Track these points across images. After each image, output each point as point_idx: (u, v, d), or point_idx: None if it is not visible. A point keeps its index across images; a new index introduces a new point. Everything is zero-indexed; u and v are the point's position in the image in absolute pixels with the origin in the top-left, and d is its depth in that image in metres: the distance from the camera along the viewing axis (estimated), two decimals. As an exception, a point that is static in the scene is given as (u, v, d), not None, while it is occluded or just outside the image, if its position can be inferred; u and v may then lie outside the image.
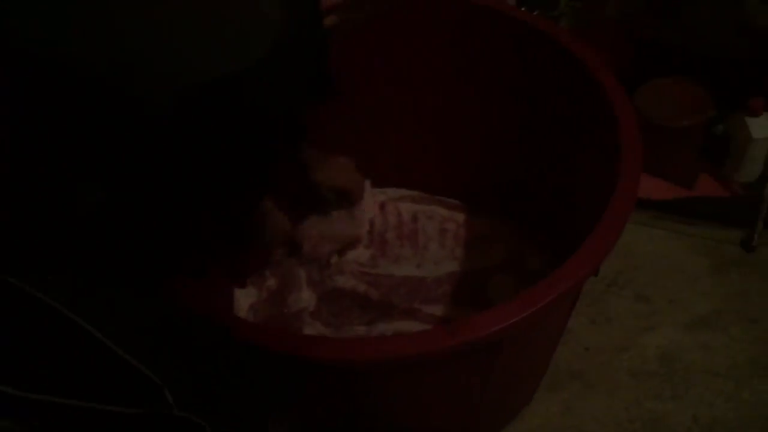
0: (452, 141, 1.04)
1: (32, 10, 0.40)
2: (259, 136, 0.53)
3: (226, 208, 0.72)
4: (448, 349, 0.59)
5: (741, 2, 0.96)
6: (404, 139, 1.06)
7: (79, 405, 0.41)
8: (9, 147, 0.43)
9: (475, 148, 1.03)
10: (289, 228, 0.99)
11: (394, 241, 1.06)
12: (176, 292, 0.62)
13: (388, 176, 1.11)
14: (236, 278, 1.01)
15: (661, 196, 1.05)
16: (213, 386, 0.49)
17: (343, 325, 0.97)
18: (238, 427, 0.51)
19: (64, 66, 0.42)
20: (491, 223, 1.06)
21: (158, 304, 0.52)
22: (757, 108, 0.97)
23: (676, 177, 1.05)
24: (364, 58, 0.94)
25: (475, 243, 1.05)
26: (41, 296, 0.41)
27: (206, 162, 0.52)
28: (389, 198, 1.10)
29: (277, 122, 0.57)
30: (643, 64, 1.06)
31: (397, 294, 1.00)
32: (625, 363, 0.94)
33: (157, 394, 0.43)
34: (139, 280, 0.52)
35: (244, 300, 0.99)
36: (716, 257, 1.03)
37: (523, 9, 1.05)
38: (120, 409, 0.42)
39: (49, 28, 0.40)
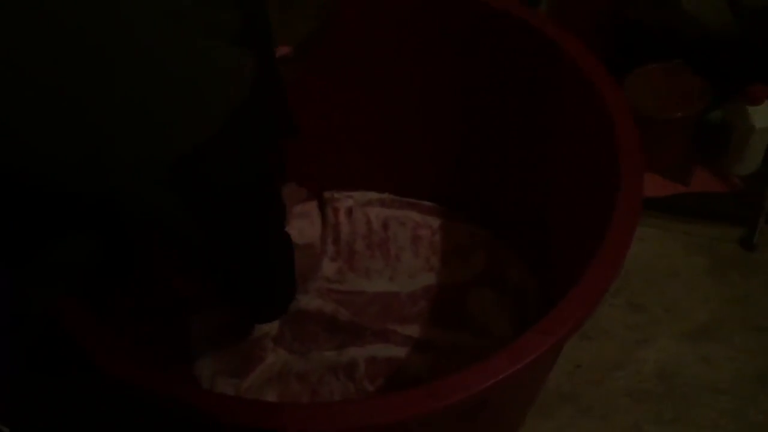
0: (426, 138, 0.94)
1: None
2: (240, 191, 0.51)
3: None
4: (429, 415, 0.50)
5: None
6: (373, 137, 0.96)
7: None
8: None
9: (451, 146, 0.93)
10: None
11: (363, 252, 0.96)
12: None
13: (355, 178, 1.00)
14: (187, 303, 0.90)
15: (653, 192, 0.96)
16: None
17: (310, 351, 0.87)
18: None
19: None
20: (469, 229, 0.96)
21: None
22: (758, 96, 0.88)
23: (669, 172, 0.96)
24: (331, 58, 0.84)
25: (452, 252, 0.95)
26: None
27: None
28: (357, 203, 0.99)
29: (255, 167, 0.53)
30: (630, 48, 0.96)
31: (369, 313, 0.90)
32: (620, 382, 0.85)
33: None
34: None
35: (199, 329, 0.89)
36: (714, 258, 0.95)
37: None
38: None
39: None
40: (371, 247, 0.96)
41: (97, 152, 0.39)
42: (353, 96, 0.91)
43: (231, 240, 0.53)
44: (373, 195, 1.01)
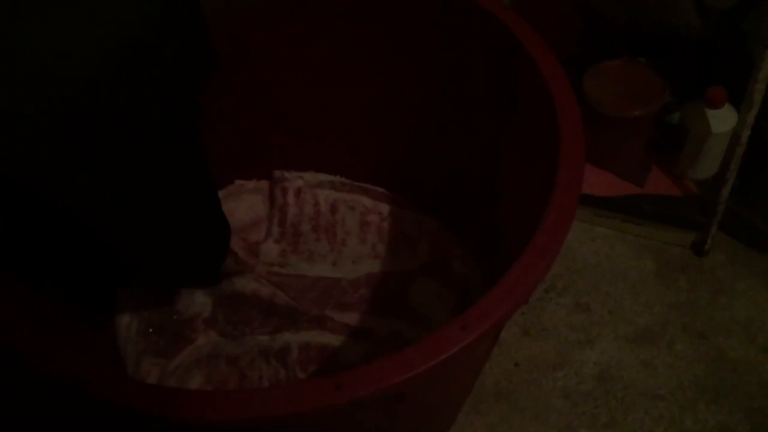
0: (376, 123, 0.91)
1: None
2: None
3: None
4: (335, 407, 0.48)
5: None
6: (324, 118, 0.92)
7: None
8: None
9: (400, 132, 0.90)
10: None
11: (308, 234, 0.93)
12: None
13: (305, 159, 0.97)
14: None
15: (606, 192, 0.94)
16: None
17: (243, 335, 0.84)
18: None
19: None
20: (417, 218, 0.94)
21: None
22: (718, 99, 0.86)
23: (624, 172, 0.94)
24: (279, 32, 0.80)
25: (399, 240, 0.93)
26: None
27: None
28: (306, 184, 0.96)
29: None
30: (595, 45, 0.94)
31: (307, 298, 0.87)
32: (559, 382, 0.84)
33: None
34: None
35: (127, 303, 0.85)
36: (663, 261, 0.93)
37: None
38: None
39: None
40: (317, 230, 0.93)
41: None
42: (309, 75, 0.88)
43: (146, 193, 0.49)
44: (324, 177, 0.98)
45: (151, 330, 0.83)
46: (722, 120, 0.86)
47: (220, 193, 0.97)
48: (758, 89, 0.77)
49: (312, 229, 0.93)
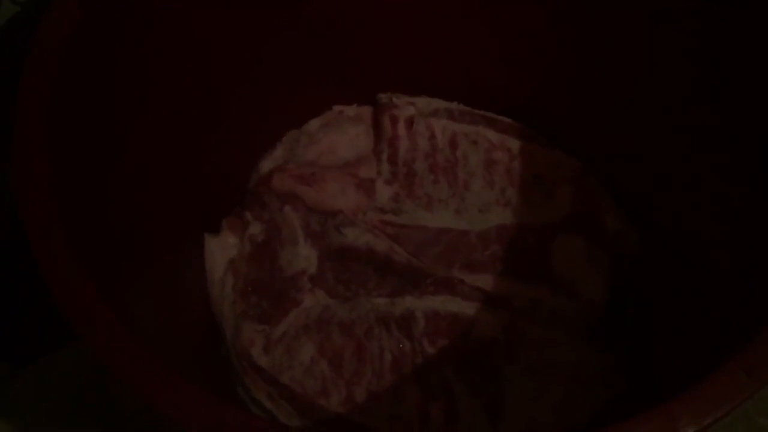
0: (510, 28, 0.73)
1: None
2: None
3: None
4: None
5: None
6: (439, 25, 0.75)
7: None
8: None
9: (544, 44, 0.72)
10: None
11: (424, 175, 0.78)
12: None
13: (418, 80, 0.81)
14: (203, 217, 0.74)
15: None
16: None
17: (357, 296, 0.71)
18: None
19: None
20: (554, 157, 0.78)
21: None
22: None
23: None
24: None
25: (534, 183, 0.78)
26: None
27: None
28: (420, 112, 0.80)
29: None
30: None
31: (430, 255, 0.73)
32: None
33: None
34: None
35: (221, 253, 0.73)
36: None
37: None
38: None
39: None
40: (434, 169, 0.78)
41: None
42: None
43: None
44: (439, 103, 0.81)
45: (250, 289, 0.71)
46: None
47: (317, 122, 0.82)
48: None
49: (428, 169, 0.78)
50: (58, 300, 0.36)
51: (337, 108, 0.83)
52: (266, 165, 0.78)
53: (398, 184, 0.77)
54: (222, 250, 0.73)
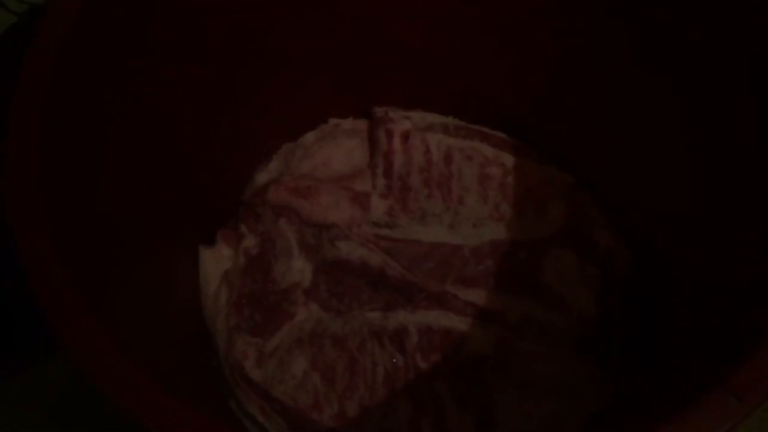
0: (505, 44, 0.74)
1: None
2: None
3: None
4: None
5: None
6: (439, 38, 0.75)
7: None
8: None
9: (540, 61, 0.73)
10: None
11: (419, 189, 0.78)
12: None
13: (413, 94, 0.81)
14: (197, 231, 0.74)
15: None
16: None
17: (350, 310, 0.71)
18: None
19: None
20: (547, 173, 0.79)
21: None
22: None
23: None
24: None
25: (526, 199, 0.78)
26: None
27: None
28: (415, 126, 0.80)
29: None
30: None
31: (423, 269, 0.74)
32: None
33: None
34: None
35: (216, 265, 0.73)
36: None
37: None
38: None
39: None
40: (429, 184, 0.79)
41: None
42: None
43: None
44: (434, 118, 0.82)
45: (244, 302, 0.71)
46: None
47: (313, 135, 0.82)
48: None
49: (423, 183, 0.79)
50: (44, 309, 0.36)
51: (332, 121, 0.83)
52: (261, 177, 0.79)
53: (393, 198, 0.78)
54: (216, 262, 0.73)
